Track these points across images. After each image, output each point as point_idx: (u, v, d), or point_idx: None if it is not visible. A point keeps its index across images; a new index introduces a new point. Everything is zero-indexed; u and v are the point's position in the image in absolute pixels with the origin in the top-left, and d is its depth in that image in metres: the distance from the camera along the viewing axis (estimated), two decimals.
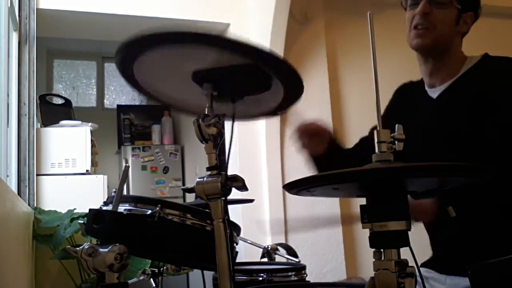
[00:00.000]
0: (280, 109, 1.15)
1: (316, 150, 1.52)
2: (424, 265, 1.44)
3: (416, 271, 0.85)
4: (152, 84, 1.10)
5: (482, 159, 1.29)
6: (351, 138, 3.91)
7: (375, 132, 0.88)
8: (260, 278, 1.54)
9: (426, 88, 1.49)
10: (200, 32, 0.89)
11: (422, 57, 1.47)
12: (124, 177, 1.10)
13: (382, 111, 1.51)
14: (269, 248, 1.87)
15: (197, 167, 4.86)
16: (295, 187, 0.87)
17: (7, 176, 2.71)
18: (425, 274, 1.41)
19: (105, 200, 1.18)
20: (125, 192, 1.10)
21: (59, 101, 3.82)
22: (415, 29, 1.41)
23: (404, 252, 0.86)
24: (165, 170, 5.16)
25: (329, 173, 0.83)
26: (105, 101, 5.74)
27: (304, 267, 1.66)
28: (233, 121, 1.00)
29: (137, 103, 5.87)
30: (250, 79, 1.03)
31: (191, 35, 0.91)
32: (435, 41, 1.40)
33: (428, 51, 1.44)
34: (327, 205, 3.49)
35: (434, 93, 1.45)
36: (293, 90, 1.05)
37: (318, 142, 1.52)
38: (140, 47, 0.95)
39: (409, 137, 1.39)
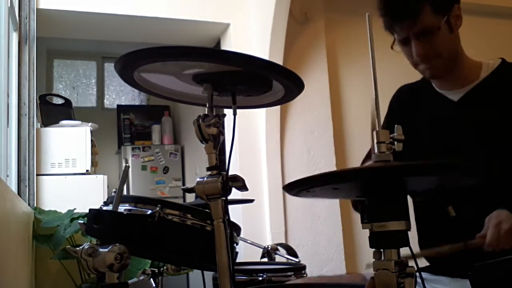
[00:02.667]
0: (281, 102, 1.15)
1: None
2: (423, 270, 1.43)
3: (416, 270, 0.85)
4: (153, 83, 1.10)
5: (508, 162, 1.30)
6: (351, 138, 3.93)
7: (374, 133, 0.88)
8: (260, 278, 1.54)
9: (439, 90, 1.47)
10: (191, 47, 0.90)
11: None
12: (124, 177, 1.10)
13: (382, 115, 1.52)
14: (269, 248, 1.88)
15: (197, 167, 4.86)
16: (295, 188, 0.87)
17: (7, 176, 2.71)
18: (426, 276, 1.40)
19: (105, 200, 1.18)
20: (125, 192, 1.10)
21: (59, 101, 3.82)
22: (421, 64, 1.37)
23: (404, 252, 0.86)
24: (165, 170, 5.16)
25: (328, 173, 0.83)
26: (105, 101, 5.75)
27: (304, 267, 1.66)
28: (234, 122, 1.00)
29: (137, 103, 5.88)
30: (251, 81, 1.03)
31: (182, 50, 0.92)
32: (447, 65, 1.38)
33: (444, 75, 1.42)
34: (327, 205, 3.50)
35: (453, 95, 1.43)
36: (294, 88, 1.05)
37: None
38: (136, 62, 0.96)
39: (423, 138, 1.40)
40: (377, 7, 1.36)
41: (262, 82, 1.03)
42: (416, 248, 1.42)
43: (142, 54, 0.93)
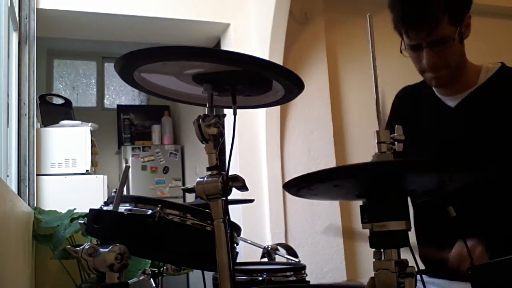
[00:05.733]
0: (281, 102, 1.15)
1: None
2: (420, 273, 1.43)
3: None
4: (154, 83, 1.10)
5: (504, 167, 1.30)
6: (351, 138, 3.93)
7: (375, 133, 0.88)
8: (260, 278, 1.54)
9: (438, 95, 1.46)
10: (191, 47, 0.90)
11: None
12: (124, 177, 1.10)
13: (386, 116, 1.51)
14: (269, 248, 1.87)
15: (197, 167, 4.86)
16: (295, 186, 0.87)
17: (7, 176, 2.71)
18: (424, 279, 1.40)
19: (105, 200, 1.18)
20: (125, 192, 1.10)
21: (59, 101, 3.82)
22: (428, 73, 1.36)
23: (404, 252, 0.86)
24: (165, 170, 5.16)
25: (328, 169, 0.83)
26: (105, 101, 5.75)
27: (304, 267, 1.66)
28: (234, 122, 1.00)
29: (137, 103, 5.88)
30: (250, 81, 1.03)
31: (182, 50, 0.92)
32: (453, 76, 1.37)
33: (449, 84, 1.41)
34: (327, 205, 3.50)
35: (451, 101, 1.42)
36: (293, 88, 1.05)
37: None
38: (136, 62, 0.96)
39: (422, 144, 1.40)
40: (389, 6, 1.33)
41: (262, 82, 1.03)
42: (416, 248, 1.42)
43: (142, 54, 0.93)
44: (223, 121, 1.01)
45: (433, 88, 1.46)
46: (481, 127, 1.35)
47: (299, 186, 0.86)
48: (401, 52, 1.38)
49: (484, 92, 1.39)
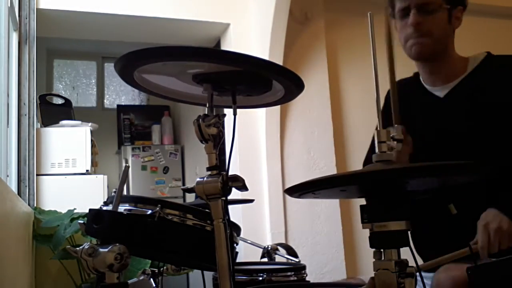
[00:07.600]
0: (281, 102, 1.15)
1: None
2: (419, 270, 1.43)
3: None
4: (154, 83, 1.10)
5: (496, 155, 1.30)
6: (351, 138, 3.92)
7: (375, 132, 0.88)
8: (260, 278, 1.54)
9: (427, 86, 1.49)
10: (191, 47, 0.90)
11: (421, 63, 1.49)
12: (124, 177, 1.10)
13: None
14: (269, 248, 1.87)
15: (197, 167, 4.86)
16: (297, 191, 0.87)
17: (7, 176, 2.71)
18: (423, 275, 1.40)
19: (105, 200, 1.18)
20: (125, 192, 1.10)
21: (59, 101, 3.82)
22: (411, 39, 1.41)
23: (404, 252, 0.86)
24: (165, 170, 5.16)
25: (330, 176, 0.83)
26: (105, 101, 5.75)
27: (304, 267, 1.66)
28: (234, 122, 1.00)
29: (137, 103, 5.88)
30: (250, 81, 1.03)
31: (182, 51, 0.92)
32: (433, 47, 1.41)
33: (428, 58, 1.45)
34: (327, 205, 3.50)
35: (439, 91, 1.46)
36: (293, 88, 1.05)
37: None
38: (136, 62, 0.96)
39: (413, 133, 1.41)
40: None
41: (262, 82, 1.03)
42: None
43: (142, 54, 0.93)
44: (223, 121, 1.01)
45: (416, 62, 1.49)
46: (470, 116, 1.37)
47: (300, 192, 0.86)
48: (389, 14, 1.44)
49: (471, 81, 1.42)
